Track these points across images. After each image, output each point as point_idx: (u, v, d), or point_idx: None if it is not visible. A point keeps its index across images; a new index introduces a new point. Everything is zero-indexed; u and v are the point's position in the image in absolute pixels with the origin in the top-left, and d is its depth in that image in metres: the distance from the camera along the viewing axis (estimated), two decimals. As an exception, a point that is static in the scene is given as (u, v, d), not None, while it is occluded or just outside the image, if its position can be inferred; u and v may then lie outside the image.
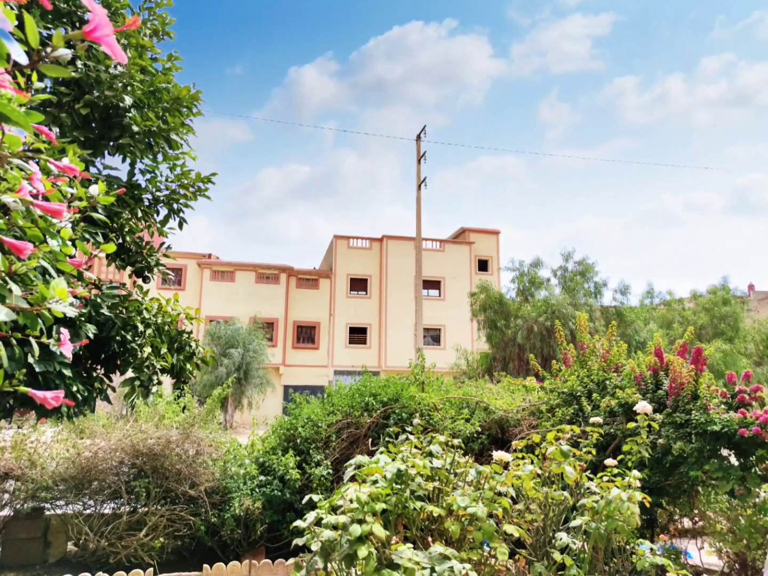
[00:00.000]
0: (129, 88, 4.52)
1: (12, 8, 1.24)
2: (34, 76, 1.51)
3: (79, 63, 4.29)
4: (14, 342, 1.79)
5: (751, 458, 5.00)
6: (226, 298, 34.82)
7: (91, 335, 3.79)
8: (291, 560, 3.41)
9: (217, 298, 34.79)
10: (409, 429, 4.01)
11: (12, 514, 6.70)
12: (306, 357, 36.20)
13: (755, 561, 5.44)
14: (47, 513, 6.87)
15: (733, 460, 5.06)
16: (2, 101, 1.26)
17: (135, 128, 4.55)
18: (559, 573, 3.38)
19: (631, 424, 4.73)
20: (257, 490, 6.52)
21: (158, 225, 5.23)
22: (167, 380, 5.10)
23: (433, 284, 38.13)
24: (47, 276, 1.83)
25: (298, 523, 3.04)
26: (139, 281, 5.27)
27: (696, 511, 5.88)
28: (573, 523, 3.45)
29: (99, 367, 4.50)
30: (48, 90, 4.29)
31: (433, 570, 2.62)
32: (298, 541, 3.01)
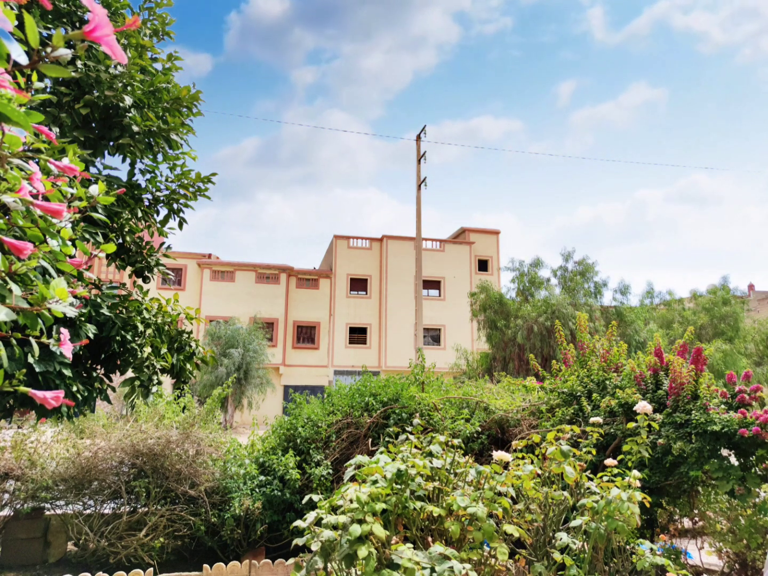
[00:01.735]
0: (129, 88, 4.52)
1: (12, 8, 1.24)
2: (34, 76, 1.51)
3: (79, 63, 4.29)
4: (14, 342, 1.79)
5: (751, 458, 5.00)
6: (226, 298, 34.81)
7: (91, 335, 3.79)
8: (291, 560, 3.41)
9: (217, 298, 34.79)
10: (409, 429, 4.01)
11: (12, 514, 6.70)
12: (306, 357, 36.19)
13: (755, 561, 5.44)
14: (47, 513, 6.87)
15: (733, 460, 5.06)
16: (2, 101, 1.26)
17: (135, 128, 4.55)
18: (559, 573, 3.38)
19: (631, 424, 4.73)
20: (257, 490, 6.52)
21: (158, 225, 5.23)
22: (167, 380, 5.10)
23: (433, 284, 38.13)
24: (47, 276, 1.82)
25: (298, 523, 3.04)
26: (139, 281, 5.26)
27: (696, 511, 5.88)
28: (573, 523, 3.45)
29: (99, 367, 4.49)
30: (48, 90, 4.29)
31: (433, 570, 2.62)
32: (298, 541, 3.01)
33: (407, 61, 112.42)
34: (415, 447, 3.64)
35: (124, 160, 4.82)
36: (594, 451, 4.24)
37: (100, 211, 4.01)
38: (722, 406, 5.23)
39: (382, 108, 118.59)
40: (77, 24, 4.44)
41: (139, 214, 5.00)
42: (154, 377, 4.71)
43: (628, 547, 3.98)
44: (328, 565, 2.89)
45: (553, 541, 3.48)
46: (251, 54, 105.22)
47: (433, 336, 37.48)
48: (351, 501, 2.88)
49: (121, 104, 4.43)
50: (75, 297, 2.02)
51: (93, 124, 4.60)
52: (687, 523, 6.24)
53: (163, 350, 4.74)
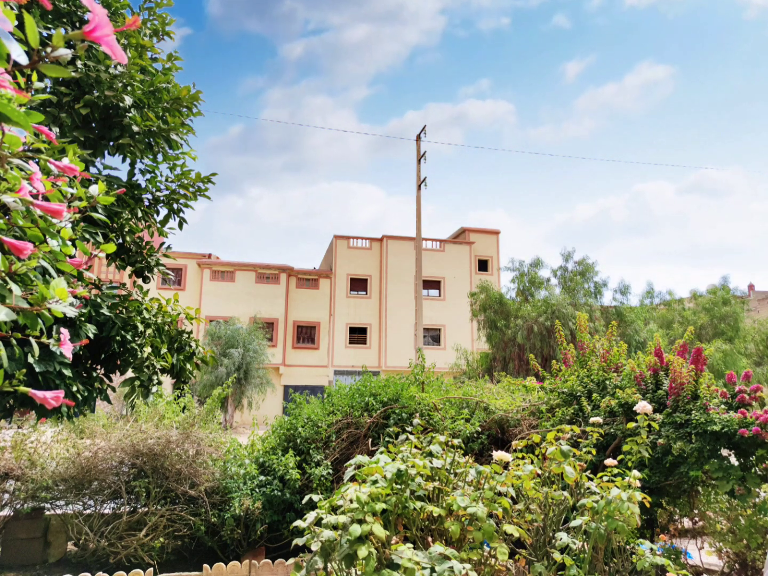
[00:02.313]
0: (129, 88, 4.52)
1: (12, 8, 1.24)
2: (34, 76, 1.51)
3: (79, 63, 4.29)
4: (14, 342, 1.79)
5: (751, 458, 5.00)
6: (226, 298, 34.81)
7: (91, 335, 3.79)
8: (291, 560, 3.41)
9: (217, 298, 34.79)
10: (409, 429, 4.01)
11: (12, 514, 6.70)
12: (306, 357, 36.19)
13: (755, 561, 5.44)
14: (47, 513, 6.87)
15: (733, 460, 5.06)
16: (2, 101, 1.26)
17: (135, 128, 4.55)
18: (559, 573, 3.38)
19: (631, 424, 4.73)
20: (257, 490, 6.52)
21: (158, 225, 5.23)
22: (167, 380, 5.10)
23: (433, 284, 38.12)
24: (47, 276, 1.82)
25: (298, 523, 3.04)
26: (139, 281, 5.26)
27: (696, 511, 5.88)
28: (573, 523, 3.45)
29: (99, 367, 4.49)
30: (48, 90, 4.29)
31: (433, 570, 2.61)
32: (298, 541, 3.01)
33: (394, 33, 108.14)
34: (415, 447, 3.64)
35: (124, 160, 4.82)
36: (594, 451, 4.24)
37: (100, 211, 4.01)
38: (722, 406, 5.23)
39: (368, 87, 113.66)
40: (77, 24, 4.44)
41: (139, 214, 5.00)
42: (154, 377, 4.71)
43: (628, 547, 3.98)
44: (328, 565, 2.89)
45: (553, 541, 3.48)
46: (236, 25, 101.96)
47: (433, 336, 37.48)
48: (351, 501, 2.88)
49: (121, 104, 4.43)
50: (75, 297, 2.02)
51: (93, 124, 4.60)
52: (687, 523, 6.24)
53: (163, 350, 4.74)
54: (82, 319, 3.84)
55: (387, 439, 6.51)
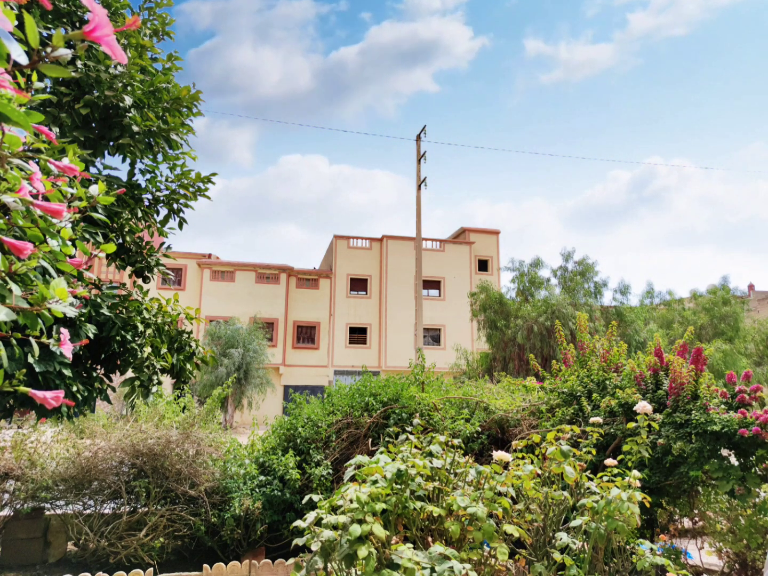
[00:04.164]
0: (129, 88, 4.52)
1: (12, 8, 1.24)
2: (34, 76, 1.51)
3: (79, 63, 4.29)
4: (14, 342, 1.79)
5: (751, 458, 5.00)
6: (226, 298, 34.81)
7: (91, 335, 3.78)
8: (291, 560, 3.41)
9: (217, 298, 34.79)
10: (409, 429, 4.01)
11: (12, 514, 6.70)
12: (306, 357, 36.19)
13: (755, 561, 5.44)
14: (47, 513, 6.87)
15: (733, 460, 5.06)
16: (2, 101, 1.26)
17: (135, 128, 4.55)
18: (559, 573, 3.38)
19: (631, 424, 4.73)
20: (257, 490, 6.52)
21: (158, 225, 5.23)
22: (167, 380, 5.10)
23: (433, 284, 38.12)
24: (47, 276, 1.82)
25: (298, 523, 3.04)
26: (139, 281, 5.26)
27: (696, 511, 5.88)
28: (573, 523, 3.45)
29: (99, 367, 4.49)
30: (48, 90, 4.29)
31: (433, 570, 2.61)
32: (298, 541, 3.00)
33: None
34: (415, 447, 3.64)
35: (124, 160, 4.82)
36: (594, 451, 4.24)
37: (100, 211, 4.01)
38: (722, 406, 5.23)
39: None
40: (77, 24, 4.44)
41: (139, 214, 5.00)
42: (154, 377, 4.71)
43: (628, 547, 3.98)
44: (328, 565, 2.89)
45: (553, 541, 3.48)
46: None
47: (433, 336, 37.48)
48: (351, 501, 2.88)
49: (121, 104, 4.43)
50: (75, 297, 2.02)
51: (93, 124, 4.60)
52: (687, 523, 6.24)
53: (163, 350, 4.74)
54: (82, 319, 3.84)
55: (387, 439, 6.51)
